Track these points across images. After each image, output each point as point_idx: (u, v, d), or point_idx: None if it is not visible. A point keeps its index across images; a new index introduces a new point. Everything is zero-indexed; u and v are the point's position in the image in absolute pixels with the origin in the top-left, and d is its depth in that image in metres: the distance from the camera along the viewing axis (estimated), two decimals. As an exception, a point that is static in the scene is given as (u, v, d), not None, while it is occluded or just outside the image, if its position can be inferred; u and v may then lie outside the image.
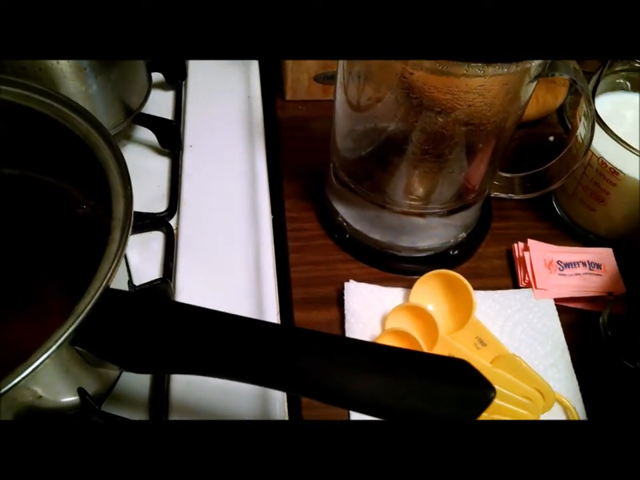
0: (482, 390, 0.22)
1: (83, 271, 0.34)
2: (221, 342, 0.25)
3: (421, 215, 0.45)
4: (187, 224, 0.45)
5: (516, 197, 0.47)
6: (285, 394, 0.37)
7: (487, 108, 0.37)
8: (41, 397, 0.28)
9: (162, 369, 0.28)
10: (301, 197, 0.51)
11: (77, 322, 0.24)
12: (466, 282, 0.42)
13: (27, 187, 0.37)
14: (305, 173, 0.52)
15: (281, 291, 0.44)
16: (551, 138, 0.58)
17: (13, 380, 0.24)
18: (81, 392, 0.30)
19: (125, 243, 0.26)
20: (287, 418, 0.36)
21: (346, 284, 0.44)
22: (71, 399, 0.30)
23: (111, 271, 0.25)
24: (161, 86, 0.55)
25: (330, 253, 0.47)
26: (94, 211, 0.36)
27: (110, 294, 0.25)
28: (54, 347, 0.23)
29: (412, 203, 0.44)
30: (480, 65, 0.33)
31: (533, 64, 0.35)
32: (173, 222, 0.46)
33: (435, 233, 0.47)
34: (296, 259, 0.47)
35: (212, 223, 0.46)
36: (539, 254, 0.47)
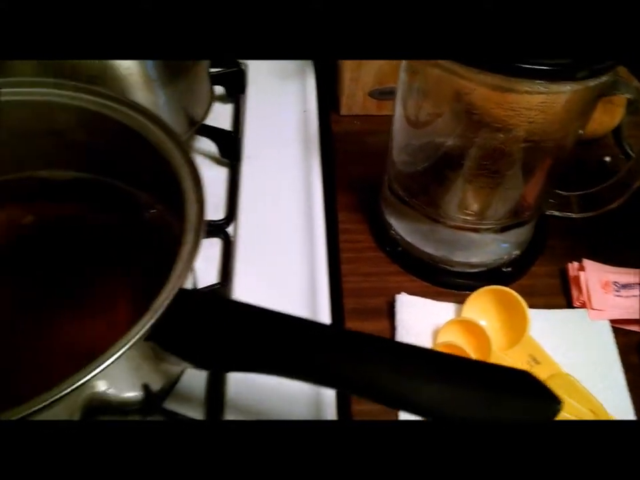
0: (548, 402, 0.22)
1: (149, 271, 0.36)
2: (287, 342, 0.26)
3: (475, 231, 0.45)
4: (244, 232, 0.47)
5: (572, 216, 0.46)
6: (335, 394, 0.37)
7: (548, 125, 0.37)
8: (108, 390, 0.29)
9: (228, 366, 0.29)
10: (354, 210, 0.52)
11: (154, 319, 0.25)
12: (521, 299, 0.42)
13: (98, 191, 0.39)
14: (358, 186, 0.53)
15: (332, 301, 0.45)
16: (607, 158, 0.58)
17: (91, 371, 0.25)
18: (146, 388, 0.31)
19: (198, 244, 0.28)
20: (336, 416, 0.36)
21: (398, 296, 0.44)
22: (135, 394, 0.32)
23: (185, 271, 0.27)
24: (221, 99, 0.57)
25: (382, 265, 0.48)
26: (162, 215, 0.37)
27: (182, 293, 0.27)
28: (132, 341, 0.25)
29: (466, 218, 0.44)
30: (543, 82, 0.34)
31: (596, 82, 0.35)
32: (230, 229, 0.47)
33: (489, 249, 0.47)
34: (348, 269, 0.47)
35: (268, 232, 0.47)
36: (594, 274, 0.46)
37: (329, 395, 0.38)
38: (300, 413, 0.37)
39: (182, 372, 0.34)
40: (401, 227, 0.48)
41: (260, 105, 0.57)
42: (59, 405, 0.25)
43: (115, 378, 0.29)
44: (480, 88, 0.36)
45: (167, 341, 0.27)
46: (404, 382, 0.24)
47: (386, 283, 0.47)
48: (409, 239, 0.47)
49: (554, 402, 0.22)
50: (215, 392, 0.37)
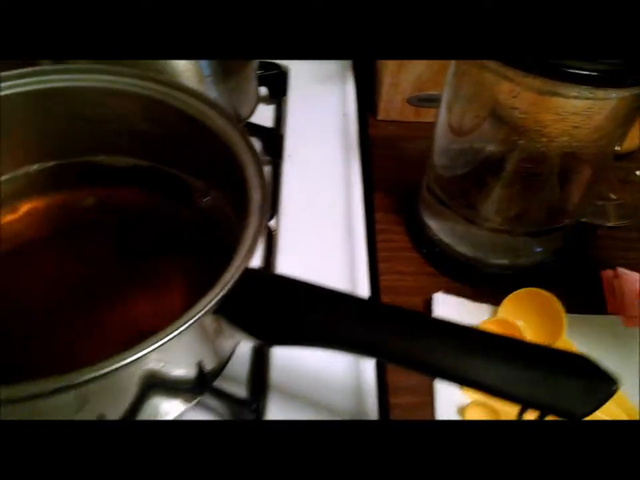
0: (605, 382, 0.23)
1: (200, 255, 0.37)
2: (346, 318, 0.27)
3: (512, 234, 0.46)
4: (285, 227, 0.48)
5: (608, 224, 0.47)
6: (375, 377, 0.39)
7: (592, 131, 0.38)
8: (164, 366, 0.30)
9: (287, 340, 0.30)
10: (390, 211, 0.53)
11: (224, 292, 0.26)
12: (557, 302, 0.42)
13: (155, 178, 0.40)
14: (394, 188, 0.54)
15: (371, 297, 0.46)
16: (638, 172, 0.59)
17: (157, 341, 0.26)
18: (199, 366, 0.32)
19: (262, 226, 0.29)
20: (376, 404, 0.38)
21: (435, 295, 0.45)
22: (189, 371, 0.32)
23: (251, 250, 0.28)
24: (264, 100, 0.59)
25: (417, 265, 0.49)
26: (215, 202, 0.39)
27: (248, 271, 0.28)
28: (202, 312, 0.26)
29: (504, 221, 0.45)
30: (590, 87, 0.35)
31: (643, 90, 0.36)
32: (272, 223, 0.48)
33: (524, 253, 0.48)
34: (385, 267, 0.48)
35: (308, 228, 0.48)
36: (628, 282, 0.47)
37: (369, 383, 0.39)
38: (340, 399, 0.38)
39: (233, 352, 0.35)
40: (438, 229, 0.49)
41: (301, 107, 0.59)
42: (120, 374, 0.26)
43: (174, 354, 0.30)
44: (526, 92, 0.37)
45: (233, 314, 0.28)
46: (460, 359, 0.25)
47: (422, 282, 0.48)
48: (445, 240, 0.48)
49: (611, 383, 0.23)
50: (259, 373, 0.38)
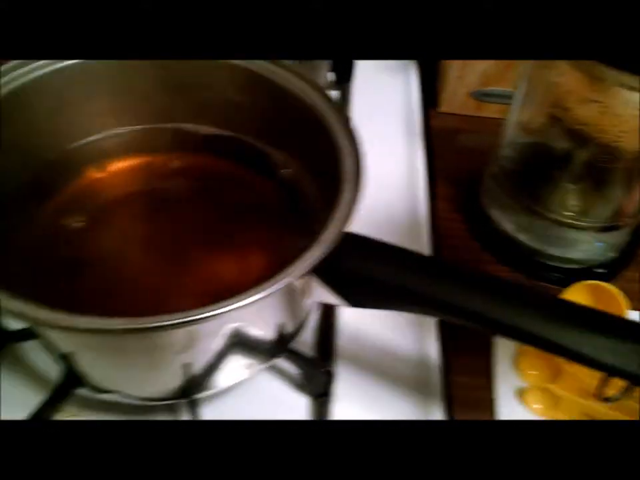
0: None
1: (278, 224, 0.39)
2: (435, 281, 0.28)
3: (574, 227, 0.47)
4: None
5: (671, 225, 0.48)
6: (439, 353, 0.40)
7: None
8: (247, 327, 0.31)
9: (372, 303, 0.31)
10: (451, 200, 0.54)
11: (323, 252, 0.28)
12: (621, 296, 0.43)
13: (237, 147, 0.42)
14: (455, 178, 0.55)
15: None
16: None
17: (260, 291, 0.27)
18: (280, 328, 0.34)
19: (360, 190, 0.30)
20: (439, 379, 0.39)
21: (494, 282, 0.46)
22: (268, 333, 0.33)
23: (348, 216, 0.29)
24: (330, 85, 0.60)
25: (478, 255, 0.50)
26: (295, 173, 0.40)
27: (345, 235, 0.29)
28: (301, 270, 0.27)
29: (568, 214, 0.46)
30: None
31: None
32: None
33: (585, 247, 0.48)
34: (446, 255, 0.49)
35: (373, 213, 0.49)
36: (687, 284, 0.47)
37: (433, 358, 0.40)
38: (403, 371, 0.39)
39: (307, 316, 0.36)
40: (500, 219, 0.50)
41: (365, 95, 0.60)
42: (208, 324, 0.27)
43: (260, 313, 0.31)
44: (611, 88, 0.38)
45: (325, 274, 0.29)
46: (553, 328, 0.26)
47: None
48: (507, 230, 0.49)
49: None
50: (326, 339, 0.40)
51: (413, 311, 0.31)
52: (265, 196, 0.41)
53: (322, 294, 0.31)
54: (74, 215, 0.38)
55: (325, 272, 0.29)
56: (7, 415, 0.35)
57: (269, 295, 0.27)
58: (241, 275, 0.37)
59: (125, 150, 0.41)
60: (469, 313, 0.27)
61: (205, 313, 0.26)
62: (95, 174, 0.40)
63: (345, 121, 0.35)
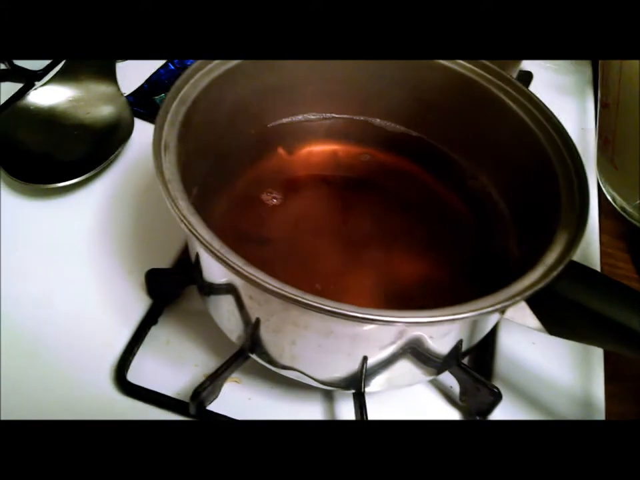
0: None
1: (462, 235, 0.38)
2: None
3: None
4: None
5: None
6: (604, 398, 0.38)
7: None
8: (430, 339, 0.30)
9: (576, 335, 0.30)
10: (616, 236, 0.51)
11: (547, 280, 0.27)
12: None
13: (422, 150, 0.42)
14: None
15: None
16: None
17: (470, 311, 0.26)
18: (459, 343, 0.32)
19: (586, 219, 0.29)
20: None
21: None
22: (447, 346, 0.32)
23: (575, 247, 0.28)
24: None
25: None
26: (482, 185, 0.39)
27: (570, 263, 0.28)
28: (519, 297, 0.26)
29: None
30: None
31: None
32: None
33: None
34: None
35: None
36: None
37: (598, 399, 0.38)
38: (564, 408, 0.38)
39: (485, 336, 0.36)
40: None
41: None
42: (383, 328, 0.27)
43: (448, 327, 0.31)
44: None
45: (538, 300, 0.28)
46: None
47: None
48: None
49: None
50: (485, 361, 0.39)
51: (612, 346, 0.30)
52: (447, 203, 0.40)
53: (523, 317, 0.30)
54: (262, 188, 0.39)
55: (538, 297, 0.28)
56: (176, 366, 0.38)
57: (481, 315, 0.26)
58: (413, 279, 0.37)
59: (315, 135, 0.42)
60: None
61: (416, 317, 0.25)
62: (283, 156, 0.42)
63: (564, 138, 0.33)
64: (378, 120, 0.43)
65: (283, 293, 0.25)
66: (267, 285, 0.25)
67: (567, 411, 0.38)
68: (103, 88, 0.52)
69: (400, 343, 0.30)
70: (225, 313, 0.33)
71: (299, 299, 0.25)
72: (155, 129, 0.31)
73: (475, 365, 0.40)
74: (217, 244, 0.26)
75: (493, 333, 0.41)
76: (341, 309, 0.25)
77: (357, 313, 0.25)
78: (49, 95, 0.50)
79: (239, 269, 0.26)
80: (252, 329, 0.31)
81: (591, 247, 0.48)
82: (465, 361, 0.37)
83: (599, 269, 0.47)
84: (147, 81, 0.54)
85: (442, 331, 0.30)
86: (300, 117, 0.42)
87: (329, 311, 0.25)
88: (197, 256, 0.32)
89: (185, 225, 0.27)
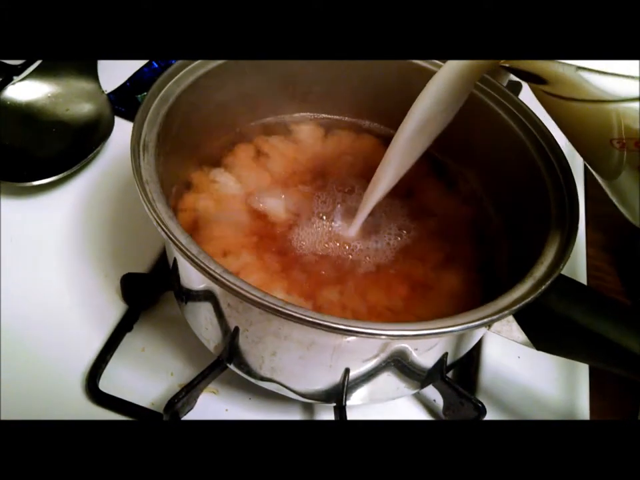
0: None
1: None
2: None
3: None
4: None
5: None
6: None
7: None
8: (414, 352, 0.30)
9: (564, 351, 0.29)
10: (603, 248, 0.51)
11: (537, 294, 0.26)
12: None
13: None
14: (609, 226, 0.52)
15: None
16: None
17: (457, 325, 0.25)
18: (442, 358, 0.32)
19: (575, 231, 0.29)
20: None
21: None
22: (431, 360, 0.32)
23: (565, 260, 0.27)
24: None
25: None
26: (472, 190, 0.39)
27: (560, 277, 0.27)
28: (503, 313, 0.26)
29: None
30: None
31: None
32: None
33: None
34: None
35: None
36: None
37: (583, 412, 0.37)
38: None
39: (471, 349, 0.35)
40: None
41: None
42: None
43: (435, 344, 0.30)
44: None
45: (526, 315, 0.28)
46: None
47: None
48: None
49: None
50: (469, 373, 0.39)
51: (599, 363, 0.29)
52: (441, 206, 0.39)
53: (510, 331, 0.29)
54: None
55: (526, 311, 0.27)
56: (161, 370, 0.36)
57: (468, 329, 0.25)
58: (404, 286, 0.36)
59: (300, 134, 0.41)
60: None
61: (400, 330, 0.25)
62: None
63: (554, 149, 0.33)
64: (367, 122, 0.42)
65: (263, 302, 0.24)
66: (247, 294, 0.24)
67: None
68: (83, 85, 0.50)
69: (383, 355, 0.29)
70: (202, 321, 0.32)
71: (280, 309, 0.24)
72: (134, 128, 0.30)
73: (459, 378, 0.39)
74: (194, 249, 0.25)
75: (478, 346, 0.40)
76: (323, 320, 0.24)
77: (341, 324, 0.24)
78: (27, 90, 0.49)
79: (217, 276, 0.24)
80: (230, 338, 0.30)
81: (577, 259, 0.47)
82: (450, 374, 0.36)
83: (585, 282, 0.46)
84: (130, 79, 0.53)
85: (427, 345, 0.29)
86: (287, 117, 0.41)
87: (311, 322, 0.24)
88: (175, 261, 0.31)
89: (162, 229, 0.26)
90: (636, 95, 0.22)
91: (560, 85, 0.24)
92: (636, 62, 0.22)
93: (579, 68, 0.23)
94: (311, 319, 0.24)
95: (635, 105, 0.22)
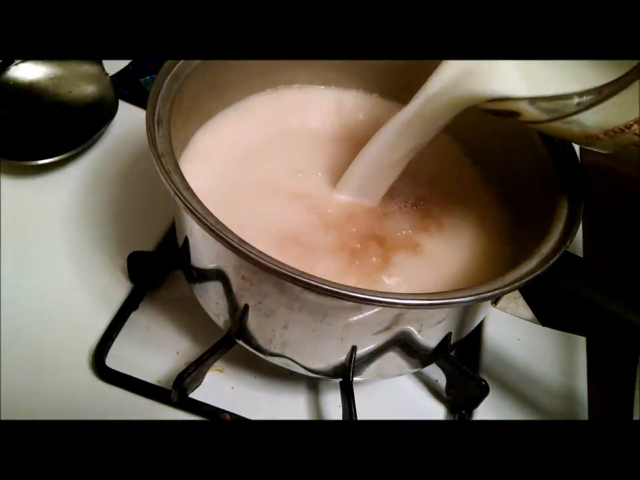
0: None
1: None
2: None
3: None
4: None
5: None
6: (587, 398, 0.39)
7: None
8: (419, 331, 0.30)
9: (568, 325, 0.30)
10: (599, 240, 0.52)
11: (541, 270, 0.27)
12: None
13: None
14: (606, 218, 0.53)
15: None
16: None
17: (463, 297, 0.26)
18: (447, 336, 0.32)
19: (582, 205, 0.30)
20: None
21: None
22: (435, 338, 0.32)
23: (570, 238, 0.28)
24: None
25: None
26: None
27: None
28: (511, 286, 0.26)
29: None
30: None
31: None
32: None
33: None
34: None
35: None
36: None
37: (581, 395, 0.38)
38: (547, 402, 0.38)
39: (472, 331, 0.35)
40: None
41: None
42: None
43: (438, 316, 0.30)
44: None
45: (531, 291, 0.28)
46: None
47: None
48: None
49: None
50: (471, 355, 0.39)
51: (603, 336, 0.30)
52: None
53: (516, 307, 0.30)
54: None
55: (532, 287, 0.28)
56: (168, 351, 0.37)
57: (472, 301, 0.26)
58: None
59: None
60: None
61: (414, 300, 0.25)
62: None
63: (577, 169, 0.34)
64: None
65: (281, 270, 0.24)
66: (266, 262, 0.24)
67: (551, 404, 0.38)
68: (86, 67, 0.50)
69: (394, 328, 0.29)
70: (213, 295, 0.32)
71: (298, 277, 0.24)
72: (149, 102, 0.30)
73: (461, 359, 0.39)
74: (212, 219, 0.26)
75: (479, 328, 0.40)
76: (341, 289, 0.24)
77: (358, 293, 0.25)
78: (29, 71, 0.48)
79: (235, 244, 0.25)
80: (242, 312, 0.30)
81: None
82: (452, 354, 0.37)
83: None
84: (133, 62, 0.53)
85: (433, 320, 0.30)
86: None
87: (329, 290, 0.24)
88: (186, 236, 0.31)
89: (180, 198, 0.26)
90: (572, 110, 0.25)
91: (527, 114, 0.27)
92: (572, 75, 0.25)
93: (529, 99, 0.26)
94: (328, 287, 0.24)
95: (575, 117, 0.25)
